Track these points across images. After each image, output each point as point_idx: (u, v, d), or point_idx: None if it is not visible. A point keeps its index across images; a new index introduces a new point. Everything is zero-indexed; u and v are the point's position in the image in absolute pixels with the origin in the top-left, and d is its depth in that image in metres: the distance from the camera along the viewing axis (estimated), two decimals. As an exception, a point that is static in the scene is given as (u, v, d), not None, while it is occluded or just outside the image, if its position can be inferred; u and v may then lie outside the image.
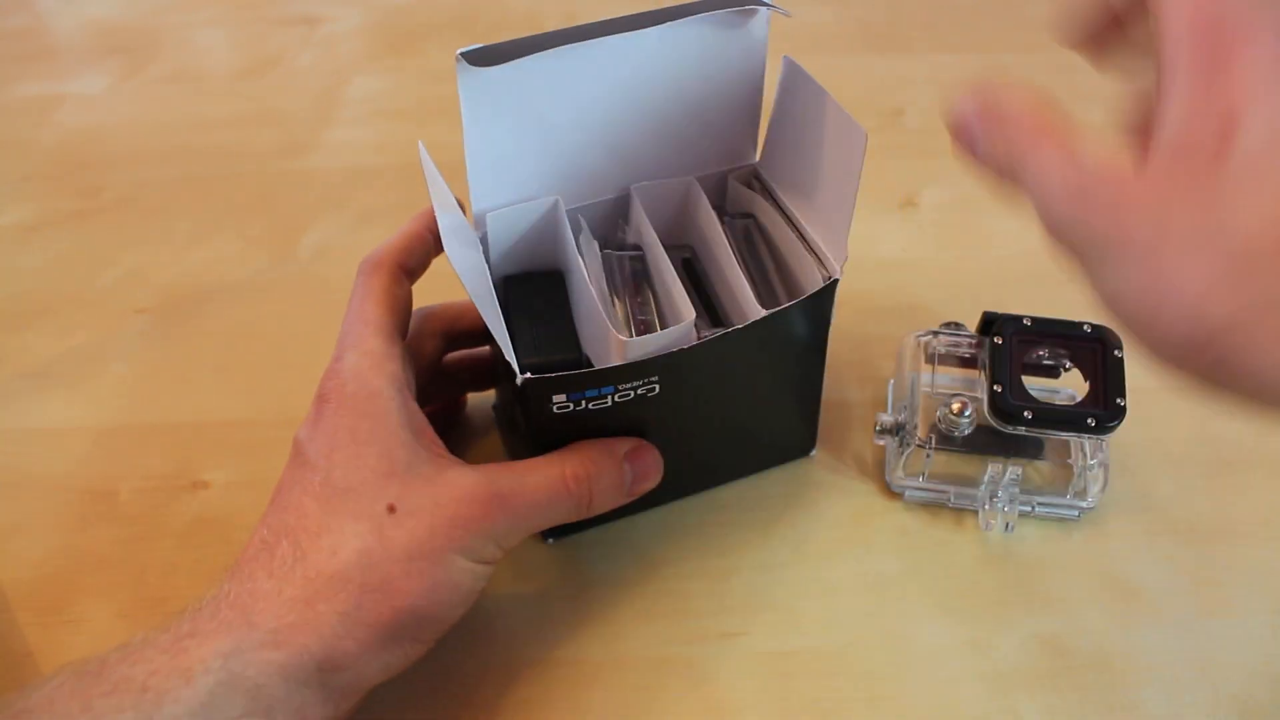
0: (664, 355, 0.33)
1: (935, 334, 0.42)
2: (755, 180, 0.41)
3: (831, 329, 0.37)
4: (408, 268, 0.36)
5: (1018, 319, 0.40)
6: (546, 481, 0.33)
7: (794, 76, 0.37)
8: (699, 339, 0.33)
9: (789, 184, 0.39)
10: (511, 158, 0.35)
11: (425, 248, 0.37)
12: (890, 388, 0.44)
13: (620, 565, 0.39)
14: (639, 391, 0.33)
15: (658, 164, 0.39)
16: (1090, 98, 0.72)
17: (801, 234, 0.38)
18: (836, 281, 0.35)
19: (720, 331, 0.34)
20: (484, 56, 0.31)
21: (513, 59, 0.32)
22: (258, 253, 0.54)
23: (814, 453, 0.43)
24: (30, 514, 0.42)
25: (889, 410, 0.43)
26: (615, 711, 0.35)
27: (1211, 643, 0.37)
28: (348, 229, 0.55)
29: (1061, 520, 0.40)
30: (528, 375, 0.31)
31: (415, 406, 0.33)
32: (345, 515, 0.30)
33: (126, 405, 0.46)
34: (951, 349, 0.42)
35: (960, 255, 0.53)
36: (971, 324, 0.42)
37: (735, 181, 0.41)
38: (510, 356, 0.32)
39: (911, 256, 0.53)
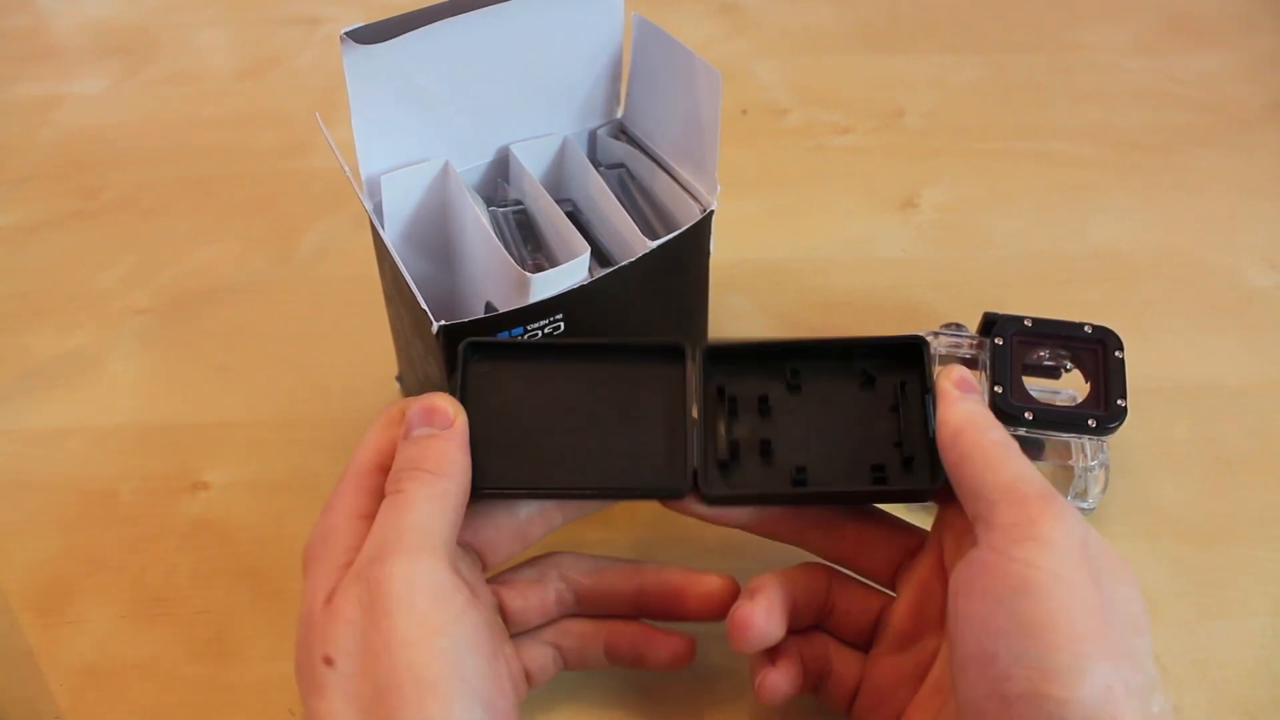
0: (567, 292, 0.34)
1: (936, 335, 0.42)
2: (622, 133, 0.43)
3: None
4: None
5: (1018, 319, 0.40)
6: None
7: (647, 33, 0.39)
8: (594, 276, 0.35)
9: (654, 133, 0.41)
10: (396, 127, 0.37)
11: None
12: (890, 388, 0.44)
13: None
14: (545, 331, 0.35)
15: (530, 127, 0.41)
16: (1090, 98, 0.71)
17: (673, 175, 0.40)
18: (712, 212, 0.38)
19: (616, 266, 0.36)
20: (367, 35, 0.33)
21: (393, 36, 0.34)
22: (258, 253, 0.54)
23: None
24: (30, 514, 0.42)
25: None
26: (616, 712, 0.35)
27: (1211, 643, 0.37)
28: (348, 229, 0.55)
29: (1062, 520, 0.40)
30: (443, 323, 0.33)
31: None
32: None
33: (126, 405, 0.46)
34: (952, 349, 0.41)
35: (960, 255, 0.53)
36: (972, 324, 0.42)
37: (604, 135, 0.43)
38: (424, 305, 0.33)
39: (911, 256, 0.53)
